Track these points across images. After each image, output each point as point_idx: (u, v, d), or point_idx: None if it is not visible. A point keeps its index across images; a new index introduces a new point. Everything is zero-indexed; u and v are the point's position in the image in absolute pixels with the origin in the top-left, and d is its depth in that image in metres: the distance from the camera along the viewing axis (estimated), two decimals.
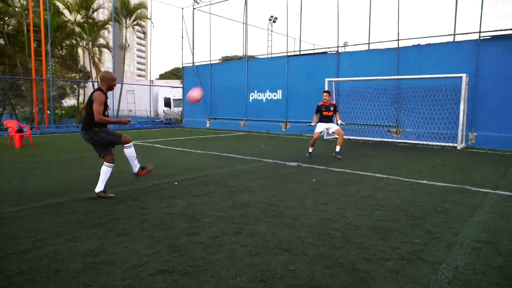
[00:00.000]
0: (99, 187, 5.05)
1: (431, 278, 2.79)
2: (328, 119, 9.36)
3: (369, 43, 15.18)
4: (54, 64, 20.52)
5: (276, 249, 3.29)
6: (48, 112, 19.69)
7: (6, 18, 23.74)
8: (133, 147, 5.23)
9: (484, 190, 5.81)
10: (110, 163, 5.12)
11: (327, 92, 9.44)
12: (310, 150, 9.35)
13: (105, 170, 5.05)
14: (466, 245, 3.47)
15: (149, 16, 26.07)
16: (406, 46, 13.89)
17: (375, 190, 5.71)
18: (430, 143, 12.52)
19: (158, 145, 11.70)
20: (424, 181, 6.41)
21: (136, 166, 5.30)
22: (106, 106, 4.96)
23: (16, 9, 23.21)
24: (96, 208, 4.48)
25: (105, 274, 2.79)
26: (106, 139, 5.05)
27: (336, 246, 3.37)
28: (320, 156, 9.46)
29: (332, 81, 15.05)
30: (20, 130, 11.53)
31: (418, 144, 12.65)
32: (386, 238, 3.61)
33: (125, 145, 5.14)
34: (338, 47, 16.27)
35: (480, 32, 12.22)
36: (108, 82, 5.03)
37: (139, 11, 25.86)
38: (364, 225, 3.97)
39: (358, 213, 4.42)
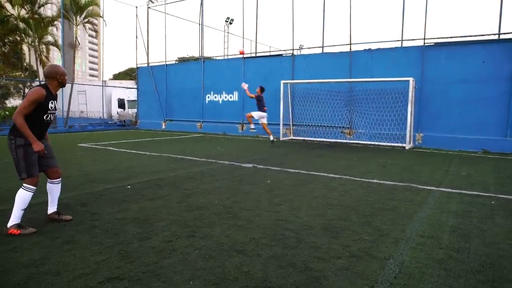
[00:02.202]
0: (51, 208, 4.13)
1: (380, 273, 2.91)
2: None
3: (323, 47, 15.57)
4: None
5: (230, 251, 3.28)
6: None
7: None
8: (29, 194, 3.76)
9: (428, 187, 6.14)
10: (32, 186, 3.80)
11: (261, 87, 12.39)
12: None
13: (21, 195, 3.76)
14: (412, 240, 3.65)
15: (101, 14, 25.18)
16: (358, 50, 14.40)
17: (328, 190, 5.86)
18: (381, 143, 13.05)
19: (110, 148, 11.31)
20: (375, 180, 6.66)
21: (14, 217, 3.71)
22: (46, 109, 3.79)
23: None
24: (40, 215, 4.25)
25: (49, 285, 2.65)
26: (14, 158, 3.75)
27: (290, 246, 3.43)
28: (276, 157, 9.57)
29: (288, 83, 15.29)
30: None
31: (370, 144, 13.14)
32: (338, 236, 3.72)
33: (24, 185, 3.76)
34: (293, 50, 16.56)
35: (424, 38, 12.92)
36: (57, 77, 3.89)
37: (90, 8, 24.87)
38: (317, 225, 4.07)
39: (311, 213, 4.51)
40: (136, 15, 21.83)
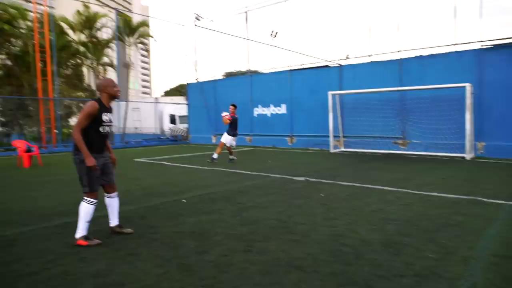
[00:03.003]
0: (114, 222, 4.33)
1: None
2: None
3: (371, 55, 15.24)
4: (60, 84, 20.77)
5: (288, 267, 3.23)
6: (56, 131, 19.83)
7: (13, 39, 24.13)
8: (91, 207, 3.96)
9: (497, 201, 5.72)
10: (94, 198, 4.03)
11: (234, 105, 11.56)
12: (215, 156, 11.33)
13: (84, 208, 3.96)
14: (483, 259, 3.40)
15: (151, 34, 26.44)
16: (408, 58, 13.93)
17: (385, 203, 5.65)
18: (438, 154, 12.43)
19: (165, 162, 11.71)
20: (434, 193, 6.33)
21: (80, 229, 3.92)
22: (100, 121, 3.95)
23: (22, 30, 23.60)
24: (105, 228, 4.44)
25: None
26: (78, 172, 3.97)
27: (349, 263, 3.32)
28: (328, 170, 9.41)
29: (336, 94, 15.09)
30: (28, 150, 11.60)
31: (426, 155, 12.56)
32: (399, 253, 3.55)
33: (85, 198, 3.96)
34: (340, 60, 16.35)
35: (481, 41, 12.24)
36: (109, 90, 4.02)
37: (141, 29, 26.22)
38: (375, 240, 3.91)
39: (369, 228, 4.36)
40: (185, 34, 22.69)
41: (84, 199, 3.95)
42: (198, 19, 22.70)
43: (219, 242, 3.92)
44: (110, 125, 4.11)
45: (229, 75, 27.73)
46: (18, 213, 5.38)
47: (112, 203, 4.30)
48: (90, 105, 3.90)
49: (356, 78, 15.11)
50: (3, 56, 24.69)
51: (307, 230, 4.29)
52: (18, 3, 23.88)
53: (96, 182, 4.00)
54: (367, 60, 15.34)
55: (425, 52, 13.59)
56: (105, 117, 4.00)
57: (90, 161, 3.81)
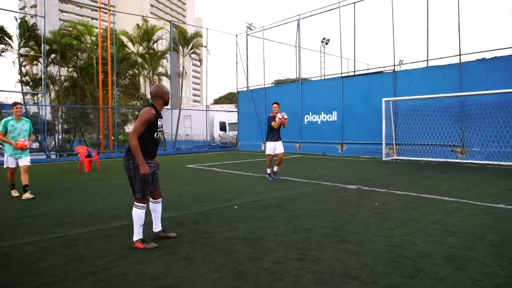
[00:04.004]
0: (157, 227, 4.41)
1: None
2: (277, 134, 9.34)
3: (427, 60, 14.60)
4: (118, 93, 21.98)
5: (344, 277, 3.13)
6: (113, 137, 20.95)
7: (79, 53, 25.92)
8: (143, 211, 4.05)
9: None
10: (154, 199, 4.34)
11: (277, 103, 9.65)
12: (269, 171, 9.35)
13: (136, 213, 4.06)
14: None
15: (204, 44, 27.20)
16: (469, 61, 13.20)
17: (443, 214, 5.34)
18: (501, 163, 11.61)
19: (215, 169, 11.93)
20: (500, 205, 5.89)
21: (136, 233, 4.05)
22: (155, 127, 4.04)
23: (88, 45, 25.29)
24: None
25: None
26: (130, 178, 4.05)
27: (408, 276, 3.15)
28: (380, 178, 9.09)
29: (390, 100, 14.61)
30: (89, 155, 12.32)
31: (488, 164, 11.77)
32: (463, 268, 3.32)
33: (135, 203, 4.05)
34: (394, 65, 15.83)
35: None
36: (163, 96, 4.14)
37: (195, 40, 27.08)
38: (436, 253, 3.69)
39: (428, 240, 4.13)
40: (236, 43, 23.12)
41: (135, 204, 4.04)
42: (250, 29, 23.09)
43: (272, 249, 3.90)
44: (162, 131, 4.22)
45: (278, 82, 27.85)
46: (80, 214, 5.69)
47: (157, 208, 4.38)
48: (148, 112, 3.95)
49: (411, 83, 14.55)
50: (70, 69, 26.56)
51: (362, 240, 4.15)
52: (85, 21, 25.65)
53: (148, 188, 4.11)
54: (423, 65, 14.73)
55: (488, 55, 12.81)
56: (160, 123, 4.09)
57: (145, 169, 3.89)
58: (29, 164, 7.39)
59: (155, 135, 4.10)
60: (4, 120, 7.27)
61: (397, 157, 14.38)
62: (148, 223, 4.41)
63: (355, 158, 15.23)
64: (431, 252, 3.73)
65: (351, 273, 3.22)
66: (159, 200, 4.37)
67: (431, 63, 14.57)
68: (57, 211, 5.96)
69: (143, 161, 3.90)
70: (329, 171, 10.92)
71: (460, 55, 13.29)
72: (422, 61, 14.85)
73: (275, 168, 9.40)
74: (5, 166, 7.29)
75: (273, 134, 9.28)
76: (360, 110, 16.28)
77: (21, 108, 7.36)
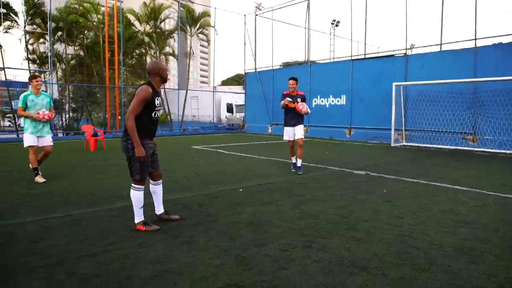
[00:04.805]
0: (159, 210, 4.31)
1: None
2: (295, 117, 7.59)
3: (441, 44, 14.19)
4: (125, 73, 21.80)
5: (352, 268, 3.01)
6: (119, 117, 20.88)
7: (86, 31, 25.66)
8: (141, 193, 3.94)
9: None
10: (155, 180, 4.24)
11: (294, 79, 7.77)
12: (294, 160, 7.83)
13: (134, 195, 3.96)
14: None
15: (212, 24, 26.78)
16: (484, 46, 12.77)
17: (455, 203, 5.17)
18: None
19: (221, 150, 11.81)
20: None
21: (136, 215, 3.95)
22: (153, 106, 3.87)
23: (94, 23, 25.00)
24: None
25: (173, 284, 2.71)
26: (128, 159, 3.93)
27: (420, 268, 3.02)
28: (389, 164, 8.91)
29: (400, 85, 14.29)
30: (95, 134, 12.25)
31: (500, 153, 11.51)
32: (477, 261, 3.18)
33: (133, 185, 3.93)
34: (406, 49, 15.43)
35: None
36: (163, 73, 3.95)
37: (203, 19, 26.64)
38: (448, 245, 3.55)
39: (440, 230, 3.98)
40: (245, 23, 22.70)
41: (133, 186, 3.92)
42: (259, 9, 22.63)
43: (278, 235, 3.78)
44: (160, 110, 4.04)
45: (286, 65, 27.46)
46: (84, 194, 5.62)
47: (158, 190, 4.25)
48: (144, 90, 3.77)
49: (423, 68, 14.18)
50: (76, 47, 26.36)
51: (371, 228, 4.01)
52: None
53: (147, 170, 3.98)
54: (436, 49, 14.33)
55: (505, 40, 12.37)
56: (157, 101, 3.91)
57: (140, 151, 3.75)
58: (52, 144, 6.83)
59: (153, 114, 3.93)
60: (23, 95, 6.57)
61: (406, 143, 14.14)
62: (150, 204, 4.31)
63: (363, 143, 15.01)
64: (443, 243, 3.59)
65: (359, 263, 3.10)
66: (159, 181, 4.25)
67: (444, 48, 14.17)
68: (61, 190, 5.90)
69: (139, 143, 3.75)
70: (336, 155, 10.75)
71: (475, 39, 12.87)
72: (435, 45, 14.46)
73: (296, 161, 7.70)
74: (26, 145, 6.58)
75: (290, 117, 7.63)
76: (370, 94, 15.97)
77: (41, 81, 6.73)
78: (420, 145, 13.55)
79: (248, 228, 4.00)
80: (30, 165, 6.67)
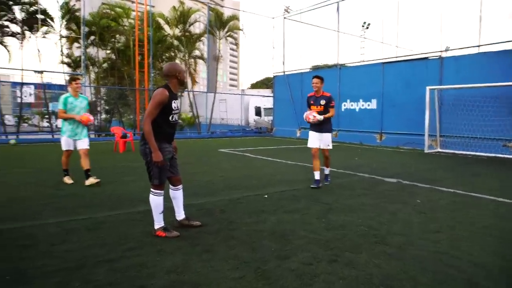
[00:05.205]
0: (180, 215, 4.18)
1: None
2: (321, 123, 6.48)
3: (479, 46, 13.49)
4: (155, 75, 22.11)
5: (381, 287, 2.75)
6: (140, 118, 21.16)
7: (117, 35, 26.26)
8: (160, 198, 3.83)
9: None
10: (175, 185, 4.10)
11: (318, 77, 6.62)
12: (316, 176, 6.44)
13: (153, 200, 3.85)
14: None
15: (241, 27, 26.79)
16: None
17: (499, 218, 4.77)
18: None
19: (248, 154, 11.67)
20: None
21: (156, 221, 3.84)
22: (170, 110, 3.73)
23: (125, 27, 25.55)
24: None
25: None
26: (147, 164, 3.79)
27: None
28: (422, 172, 8.48)
29: (435, 89, 13.68)
30: (124, 136, 12.40)
31: None
32: None
33: (152, 190, 3.83)
34: (441, 51, 14.79)
35: None
36: (181, 76, 3.83)
37: (232, 22, 26.70)
38: (494, 267, 3.20)
39: (482, 248, 3.63)
40: (273, 26, 22.55)
41: (152, 191, 3.81)
42: (288, 12, 22.43)
43: (302, 247, 3.56)
44: (178, 113, 3.91)
45: (315, 68, 27.09)
46: (109, 196, 5.59)
47: (178, 195, 4.12)
48: (161, 93, 3.65)
49: (459, 71, 13.52)
50: (108, 51, 27.01)
51: (403, 243, 3.72)
52: (123, 3, 25.88)
53: (166, 175, 3.86)
54: (473, 51, 13.63)
55: None
56: (174, 104, 3.77)
57: (157, 156, 3.62)
58: (88, 147, 6.73)
59: (170, 118, 3.78)
60: (63, 97, 6.46)
61: (440, 150, 13.52)
62: (171, 209, 4.18)
63: (394, 149, 14.48)
64: (486, 264, 3.25)
65: (390, 282, 2.83)
66: (179, 186, 4.11)
67: (482, 49, 13.47)
68: (87, 191, 5.91)
69: (156, 148, 3.63)
70: (366, 161, 10.37)
71: None
72: (473, 46, 13.75)
73: (317, 174, 6.45)
74: (64, 149, 6.57)
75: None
76: (402, 99, 15.41)
77: (80, 83, 6.68)
78: (456, 152, 12.90)
79: (271, 238, 3.80)
80: (63, 166, 6.69)
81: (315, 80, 6.58)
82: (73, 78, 6.64)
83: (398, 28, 16.57)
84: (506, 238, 3.98)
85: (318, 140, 6.60)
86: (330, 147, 6.63)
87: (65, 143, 6.56)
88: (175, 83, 3.82)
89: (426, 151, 13.23)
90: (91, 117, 6.65)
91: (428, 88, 13.50)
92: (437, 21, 14.68)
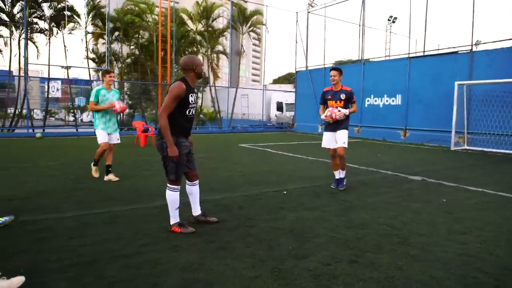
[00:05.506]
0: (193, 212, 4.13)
1: None
2: (336, 121, 5.92)
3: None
4: (177, 70, 22.24)
5: None
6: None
7: (141, 31, 26.57)
8: (176, 194, 3.77)
9: None
10: (191, 181, 4.02)
11: (336, 69, 6.11)
12: (336, 175, 6.10)
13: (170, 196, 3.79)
14: None
15: (264, 22, 26.60)
16: None
17: None
18: None
19: (268, 149, 11.56)
20: None
21: (172, 217, 3.79)
22: (187, 104, 3.65)
23: (149, 22, 25.81)
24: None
25: None
26: (163, 159, 3.76)
27: None
28: (449, 170, 8.16)
29: (464, 84, 13.17)
30: (145, 130, 12.51)
31: None
32: None
33: (168, 185, 3.78)
34: (472, 45, 14.22)
35: None
36: (198, 69, 3.73)
37: (255, 17, 26.54)
38: None
39: None
40: (297, 21, 22.26)
41: (168, 186, 3.76)
42: (312, 6, 22.09)
43: (321, 246, 3.44)
44: (195, 107, 3.83)
45: (339, 63, 26.65)
46: (128, 190, 5.61)
47: (194, 191, 4.04)
48: (177, 86, 3.57)
49: (491, 66, 12.96)
50: (132, 46, 27.38)
51: (428, 244, 3.54)
52: None
53: (182, 170, 3.79)
54: (507, 44, 13.04)
55: None
56: (192, 98, 3.69)
57: (173, 150, 3.56)
58: (119, 141, 6.67)
59: (187, 112, 3.70)
60: (96, 89, 6.41)
61: (467, 147, 13.03)
62: (188, 204, 4.13)
63: (418, 145, 14.06)
64: None
65: (413, 286, 2.68)
66: (195, 182, 4.03)
67: None
68: (107, 185, 5.96)
69: (171, 142, 3.57)
70: (390, 158, 10.09)
71: None
72: (506, 39, 13.15)
73: (337, 174, 6.09)
74: (100, 142, 6.34)
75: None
76: (428, 94, 14.92)
77: (113, 76, 6.59)
78: (485, 149, 12.40)
79: (289, 236, 3.69)
80: (95, 157, 6.51)
81: (333, 72, 6.04)
82: (106, 71, 6.57)
83: (426, 22, 16.00)
84: None
85: (333, 140, 6.06)
86: (346, 145, 5.94)
87: (102, 136, 6.37)
88: (192, 76, 3.74)
89: (452, 148, 12.79)
90: (122, 104, 6.54)
91: (456, 83, 13.02)
92: (468, 15, 14.09)
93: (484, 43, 14.85)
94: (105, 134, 6.40)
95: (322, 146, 6.23)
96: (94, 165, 6.60)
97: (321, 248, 3.37)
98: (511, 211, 4.90)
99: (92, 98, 6.32)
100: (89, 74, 26.70)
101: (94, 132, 6.52)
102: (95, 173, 6.55)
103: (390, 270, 2.93)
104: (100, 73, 23.32)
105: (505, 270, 3.00)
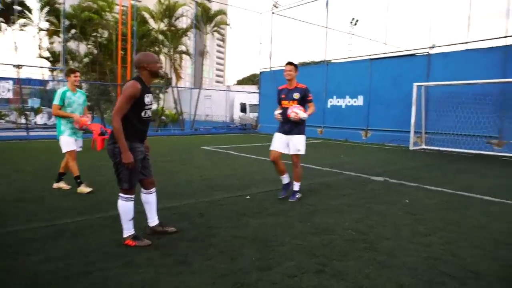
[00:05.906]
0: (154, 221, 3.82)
1: None
2: (290, 121, 5.20)
3: (467, 42, 13.40)
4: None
5: None
6: None
7: (99, 29, 25.57)
8: (131, 204, 3.46)
9: None
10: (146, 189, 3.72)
11: (291, 64, 5.31)
12: (284, 180, 5.45)
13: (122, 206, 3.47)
14: None
15: (228, 22, 26.38)
16: None
17: (489, 218, 4.57)
18: None
19: (231, 152, 11.34)
20: None
21: (125, 229, 3.47)
22: (143, 105, 3.38)
23: (108, 21, 24.89)
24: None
25: None
26: (115, 165, 3.43)
27: None
28: (408, 169, 8.29)
29: (422, 85, 13.56)
30: (102, 134, 11.93)
31: None
32: None
33: (120, 194, 3.46)
34: (429, 48, 14.68)
35: None
36: (152, 67, 3.43)
37: (219, 17, 26.28)
38: (490, 272, 2.98)
39: (475, 252, 3.41)
40: (261, 22, 22.22)
41: (121, 196, 3.44)
42: (276, 7, 22.11)
43: (285, 255, 3.27)
44: (151, 108, 3.54)
45: (303, 64, 26.88)
46: (79, 199, 5.20)
47: (151, 200, 3.73)
48: (132, 86, 3.28)
49: (447, 68, 13.41)
50: (90, 45, 26.30)
51: (394, 248, 3.47)
52: None
53: (137, 177, 3.50)
54: (461, 48, 13.53)
55: None
56: (147, 99, 3.42)
57: (127, 156, 3.26)
58: (81, 149, 5.99)
59: (143, 113, 3.41)
60: (61, 90, 5.61)
61: (425, 147, 13.42)
62: (142, 213, 3.84)
63: (380, 146, 14.33)
64: (481, 270, 3.02)
65: None
66: (152, 190, 3.73)
67: (471, 46, 13.38)
68: (56, 194, 5.50)
69: (126, 148, 3.26)
70: (352, 159, 10.16)
71: (506, 37, 12.07)
72: (461, 43, 13.65)
73: (285, 179, 5.44)
74: (65, 150, 5.65)
75: (285, 119, 5.31)
76: (388, 95, 15.27)
77: (79, 76, 5.80)
78: (441, 148, 12.81)
79: (252, 245, 3.50)
80: (73, 173, 5.76)
81: (288, 67, 5.23)
82: (71, 70, 5.79)
83: (386, 25, 16.38)
84: (498, 239, 3.78)
85: (284, 144, 5.31)
86: (302, 152, 5.22)
87: (67, 143, 5.64)
88: (146, 75, 3.44)
89: (411, 148, 13.12)
90: (88, 121, 5.83)
91: (415, 84, 13.37)
92: (425, 19, 14.52)
93: (439, 46, 15.36)
94: (73, 141, 5.70)
95: (270, 148, 5.43)
96: (78, 183, 5.72)
97: (286, 258, 3.20)
98: (468, 209, 4.98)
99: (56, 101, 5.55)
100: (43, 74, 25.39)
101: (57, 138, 5.76)
102: (86, 189, 5.65)
103: (357, 279, 2.81)
104: (55, 73, 22.22)
105: (470, 273, 2.96)
